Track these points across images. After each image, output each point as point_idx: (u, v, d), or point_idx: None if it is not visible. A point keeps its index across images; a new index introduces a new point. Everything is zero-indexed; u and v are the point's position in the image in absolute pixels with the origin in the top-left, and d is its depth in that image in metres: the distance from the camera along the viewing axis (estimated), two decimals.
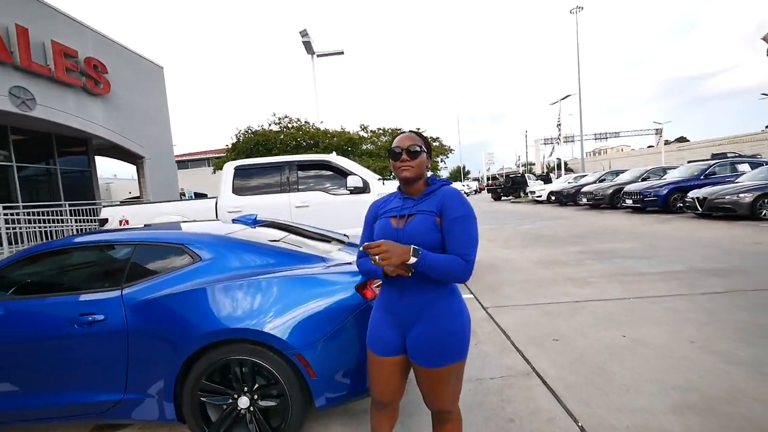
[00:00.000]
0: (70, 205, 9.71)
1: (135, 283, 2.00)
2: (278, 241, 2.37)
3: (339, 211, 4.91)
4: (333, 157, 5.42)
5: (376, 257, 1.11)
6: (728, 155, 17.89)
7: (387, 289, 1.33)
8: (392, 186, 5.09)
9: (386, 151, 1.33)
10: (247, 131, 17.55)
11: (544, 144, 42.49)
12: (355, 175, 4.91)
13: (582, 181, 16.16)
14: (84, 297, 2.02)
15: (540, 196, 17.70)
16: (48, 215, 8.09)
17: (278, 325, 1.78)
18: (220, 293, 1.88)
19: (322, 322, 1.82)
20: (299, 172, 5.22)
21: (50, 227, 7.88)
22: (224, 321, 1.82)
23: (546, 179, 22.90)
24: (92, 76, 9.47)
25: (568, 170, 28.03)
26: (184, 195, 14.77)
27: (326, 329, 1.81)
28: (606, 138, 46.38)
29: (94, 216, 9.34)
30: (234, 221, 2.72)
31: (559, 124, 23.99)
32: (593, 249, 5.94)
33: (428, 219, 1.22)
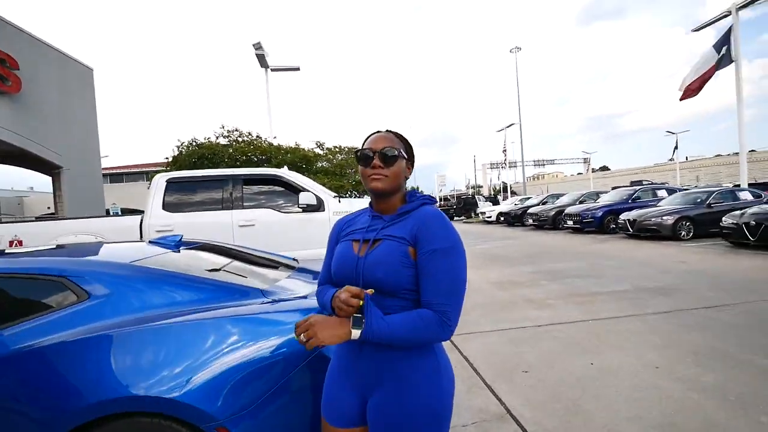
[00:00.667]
0: None
1: None
2: (217, 269, 1.90)
3: (289, 231, 4.47)
4: (284, 172, 5.00)
5: (301, 336, 0.86)
6: (644, 182, 20.32)
7: (344, 344, 1.00)
8: (351, 205, 4.77)
9: (354, 155, 1.10)
10: (191, 143, 16.27)
11: (491, 168, 45.42)
12: (308, 191, 4.53)
13: (528, 203, 17.16)
14: None
15: (490, 217, 18.48)
16: None
17: (192, 388, 1.30)
18: (111, 345, 1.38)
19: (257, 379, 1.37)
20: (245, 187, 4.72)
21: None
22: (113, 386, 1.31)
23: (494, 201, 24.13)
24: None
25: (513, 193, 30.01)
26: (109, 211, 13.04)
27: (263, 389, 1.36)
28: (543, 164, 51.08)
29: None
30: (151, 242, 2.20)
31: (505, 150, 25.78)
32: (545, 269, 6.06)
33: (397, 248, 0.91)
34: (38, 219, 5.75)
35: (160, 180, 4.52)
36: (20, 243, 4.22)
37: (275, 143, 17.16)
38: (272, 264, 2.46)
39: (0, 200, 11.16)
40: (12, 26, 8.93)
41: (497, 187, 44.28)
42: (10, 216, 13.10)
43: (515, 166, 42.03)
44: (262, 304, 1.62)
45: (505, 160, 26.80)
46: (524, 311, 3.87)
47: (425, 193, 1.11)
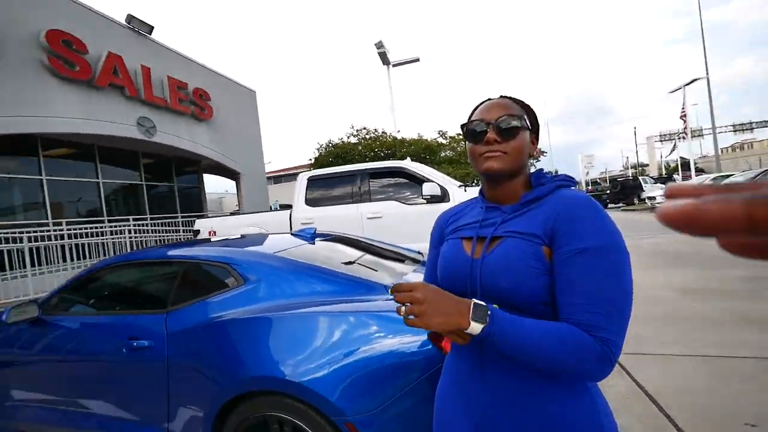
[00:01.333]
0: (182, 217, 11.18)
1: (178, 307, 1.76)
2: (348, 262, 1.95)
3: (414, 223, 4.42)
4: (408, 164, 4.97)
5: (402, 309, 0.64)
6: None
7: (459, 351, 0.78)
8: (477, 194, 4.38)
9: (462, 131, 0.78)
10: (327, 145, 18.40)
11: (661, 141, 35.72)
12: (432, 181, 4.36)
13: (726, 182, 12.89)
14: (134, 319, 1.86)
15: (660, 203, 14.70)
16: (166, 226, 9.35)
17: (325, 380, 1.32)
18: (259, 327, 1.51)
19: (384, 381, 1.31)
20: (372, 180, 4.90)
21: (165, 236, 9.03)
22: (259, 366, 1.43)
23: (668, 182, 19.11)
24: (198, 104, 10.78)
25: (699, 171, 22.82)
26: (271, 207, 16.09)
27: (389, 393, 1.29)
28: (751, 128, 36.91)
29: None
30: (293, 234, 2.40)
31: (684, 115, 19.55)
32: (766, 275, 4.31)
33: (526, 248, 0.67)
34: (231, 214, 7.39)
35: (303, 178, 5.10)
36: (214, 233, 5.44)
37: (399, 137, 17.73)
38: (398, 257, 2.40)
39: (208, 201, 15.05)
40: (203, 67, 11.70)
41: (669, 165, 34.91)
42: (213, 212, 17.35)
43: (700, 135, 32.27)
44: (387, 300, 1.54)
45: (685, 128, 20.40)
46: (738, 333, 2.76)
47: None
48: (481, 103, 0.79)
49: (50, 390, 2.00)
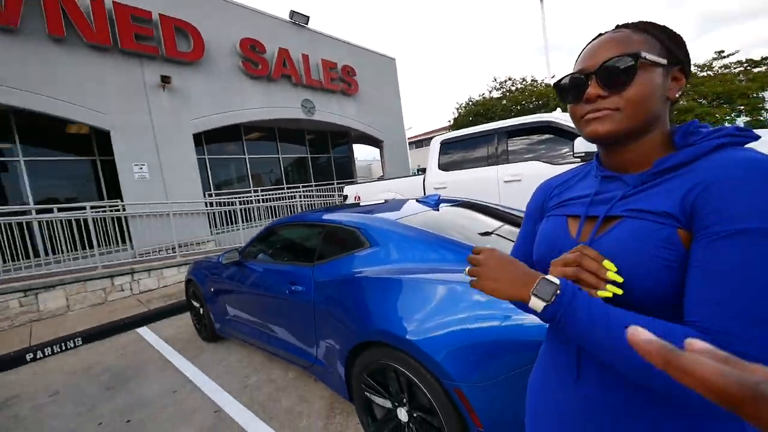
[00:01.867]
0: (337, 183, 12.97)
1: (321, 262, 2.09)
2: (487, 232, 1.92)
3: None
4: (557, 116, 4.23)
5: (466, 270, 0.61)
6: None
7: (552, 340, 0.65)
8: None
9: (554, 88, 0.58)
10: (467, 103, 17.49)
11: None
12: None
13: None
14: (293, 268, 2.31)
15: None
16: (325, 191, 11.11)
17: (436, 342, 1.35)
18: (379, 288, 1.64)
19: (498, 355, 1.25)
20: (510, 139, 4.42)
21: (325, 200, 10.74)
22: (376, 320, 1.58)
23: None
24: (346, 80, 11.87)
25: None
26: (414, 172, 16.79)
27: (502, 367, 1.23)
28: None
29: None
30: (417, 201, 2.45)
31: None
32: None
33: (652, 233, 0.49)
34: (378, 180, 8.21)
35: (435, 142, 5.05)
36: (359, 198, 6.10)
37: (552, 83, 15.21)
38: None
39: (358, 167, 17.00)
40: (348, 44, 12.63)
41: None
42: (363, 178, 19.34)
43: None
44: None
45: None
46: None
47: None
48: (587, 45, 0.58)
49: (249, 313, 2.75)
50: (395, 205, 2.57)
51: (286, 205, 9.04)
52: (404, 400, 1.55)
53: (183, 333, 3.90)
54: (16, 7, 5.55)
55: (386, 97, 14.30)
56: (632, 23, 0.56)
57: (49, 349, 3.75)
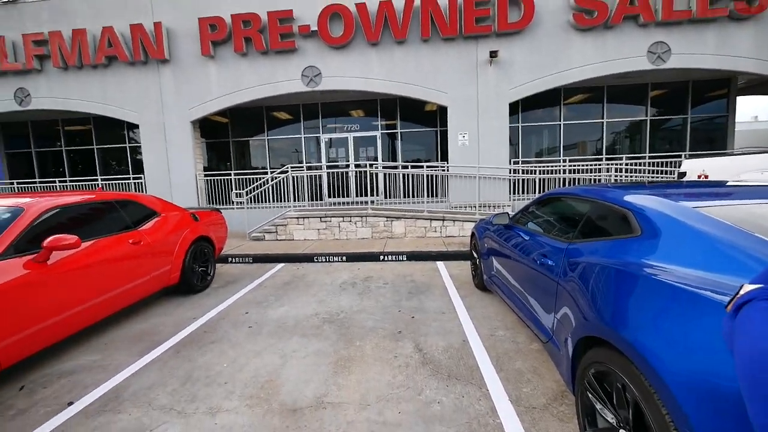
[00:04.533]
0: (690, 156, 9.53)
1: (577, 241, 1.86)
2: None
3: None
4: None
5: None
6: None
7: None
8: None
9: None
10: None
11: None
12: None
13: None
14: (549, 241, 2.19)
15: None
16: (663, 166, 8.55)
17: (691, 386, 0.95)
18: (634, 285, 1.30)
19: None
20: None
21: (652, 176, 8.29)
22: (616, 322, 1.27)
23: None
24: None
25: None
26: None
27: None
28: None
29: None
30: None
31: None
32: None
33: None
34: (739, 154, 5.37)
35: None
36: (705, 177, 4.32)
37: None
38: None
39: (738, 133, 11.37)
40: None
41: None
42: (747, 150, 13.06)
43: None
44: None
45: None
46: None
47: None
48: None
49: (507, 273, 2.90)
50: (738, 190, 1.73)
51: (592, 179, 7.87)
52: (629, 424, 1.21)
53: (463, 275, 4.68)
54: (407, 21, 8.01)
55: None
56: None
57: (390, 256, 5.72)
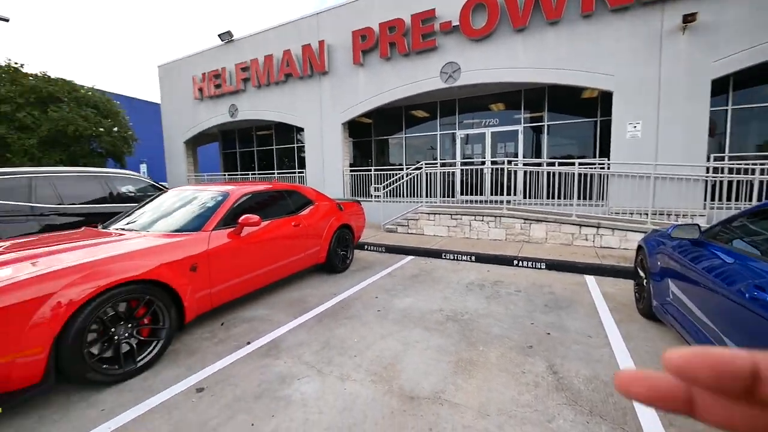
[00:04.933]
0: None
1: None
2: None
3: None
4: None
5: None
6: None
7: None
8: None
9: None
10: None
11: None
12: None
13: None
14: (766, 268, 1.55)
15: None
16: None
17: None
18: None
19: None
20: None
21: None
22: None
23: None
24: None
25: None
26: None
27: None
28: None
29: None
30: None
31: None
32: None
33: None
34: None
35: None
36: None
37: None
38: None
39: None
40: None
41: None
42: None
43: None
44: None
45: None
46: None
47: None
48: None
49: (693, 304, 2.20)
50: None
51: None
52: None
53: (621, 296, 3.83)
54: (561, 3, 7.00)
55: None
56: None
57: (526, 262, 5.18)
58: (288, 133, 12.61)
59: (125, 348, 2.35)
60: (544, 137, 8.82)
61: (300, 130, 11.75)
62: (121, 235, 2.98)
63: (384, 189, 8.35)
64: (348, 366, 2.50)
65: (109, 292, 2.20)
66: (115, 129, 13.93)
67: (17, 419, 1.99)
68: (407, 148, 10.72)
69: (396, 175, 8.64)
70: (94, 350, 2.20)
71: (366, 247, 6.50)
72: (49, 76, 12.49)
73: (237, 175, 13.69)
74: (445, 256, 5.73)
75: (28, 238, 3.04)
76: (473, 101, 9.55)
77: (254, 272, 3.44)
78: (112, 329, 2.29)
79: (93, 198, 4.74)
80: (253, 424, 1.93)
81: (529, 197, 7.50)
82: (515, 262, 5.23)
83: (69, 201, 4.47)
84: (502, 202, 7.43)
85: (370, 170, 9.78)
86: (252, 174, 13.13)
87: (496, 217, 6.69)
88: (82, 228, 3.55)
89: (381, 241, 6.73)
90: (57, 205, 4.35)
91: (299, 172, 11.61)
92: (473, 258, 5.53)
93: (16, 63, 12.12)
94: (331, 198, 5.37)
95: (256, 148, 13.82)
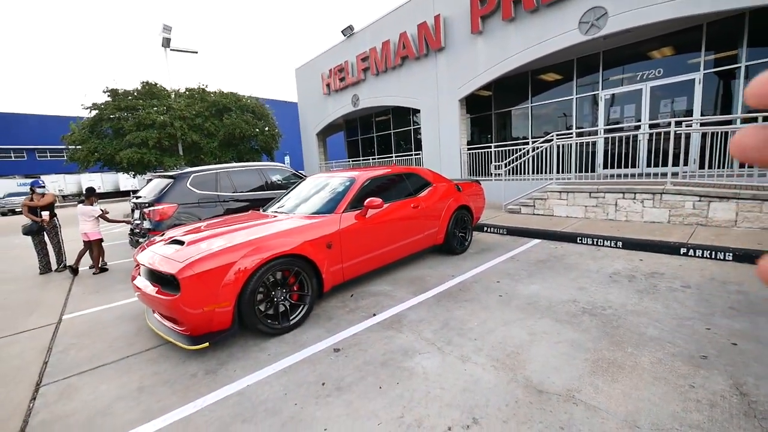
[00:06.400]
0: None
1: None
2: None
3: None
4: None
5: None
6: None
7: None
8: None
9: None
10: None
11: None
12: None
13: None
14: None
15: None
16: None
17: None
18: None
19: None
20: None
21: None
22: None
23: None
24: None
25: None
26: None
27: None
28: None
29: None
30: None
31: None
32: None
33: None
34: None
35: None
36: None
37: None
38: None
39: None
40: None
41: None
42: None
43: None
44: None
45: None
46: None
47: None
48: None
49: None
50: None
51: None
52: None
53: None
54: None
55: None
56: None
57: (700, 251, 4.08)
58: (404, 116, 12.88)
59: (282, 309, 2.89)
60: (739, 84, 6.59)
61: (416, 111, 11.84)
62: (275, 217, 3.62)
63: (506, 166, 7.74)
64: (468, 348, 2.48)
65: (270, 263, 2.73)
66: (266, 128, 16.81)
67: (217, 353, 2.69)
68: (533, 119, 9.62)
69: (520, 150, 7.88)
70: (261, 308, 2.78)
71: (485, 228, 6.22)
72: (222, 91, 15.86)
73: (359, 160, 14.83)
74: (581, 240, 5.01)
75: (215, 219, 3.99)
76: (623, 51, 7.81)
77: (378, 251, 3.71)
78: (273, 292, 2.84)
79: (255, 186, 5.87)
80: (380, 387, 2.13)
81: (710, 167, 5.79)
82: (683, 250, 4.17)
83: (240, 189, 5.66)
84: (663, 174, 5.99)
85: (490, 147, 9.18)
86: (372, 159, 14.01)
87: (655, 194, 5.43)
88: (249, 211, 4.45)
89: (502, 222, 6.32)
90: (233, 193, 5.56)
91: (416, 154, 11.81)
92: (619, 244, 4.66)
93: (204, 85, 15.81)
94: (449, 179, 5.28)
95: (375, 134, 14.63)
